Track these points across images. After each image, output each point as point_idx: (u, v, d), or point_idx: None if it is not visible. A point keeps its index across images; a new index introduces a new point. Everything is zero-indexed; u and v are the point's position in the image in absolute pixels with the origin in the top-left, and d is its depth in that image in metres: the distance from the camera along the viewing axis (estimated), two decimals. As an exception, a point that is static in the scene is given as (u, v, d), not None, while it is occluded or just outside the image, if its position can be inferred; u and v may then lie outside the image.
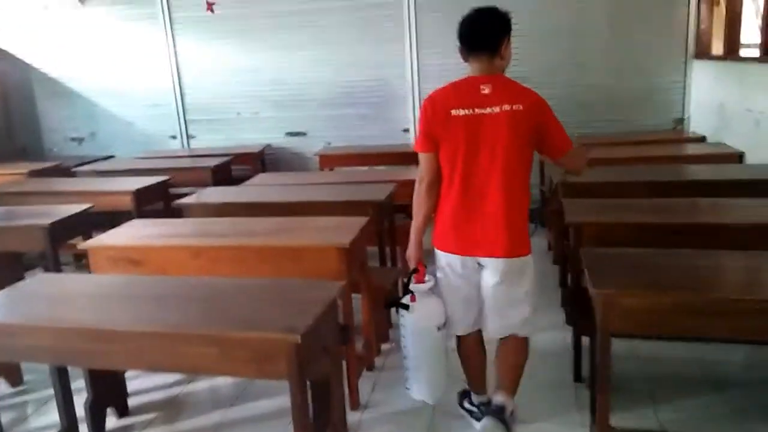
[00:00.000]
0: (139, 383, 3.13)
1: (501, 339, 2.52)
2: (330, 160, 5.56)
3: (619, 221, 2.68)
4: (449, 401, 2.77)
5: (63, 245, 3.72)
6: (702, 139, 4.99)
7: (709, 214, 2.80)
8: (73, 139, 6.89)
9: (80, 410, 2.69)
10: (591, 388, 2.64)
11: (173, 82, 6.47)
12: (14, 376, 3.26)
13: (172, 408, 2.98)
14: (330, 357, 2.13)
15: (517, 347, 2.51)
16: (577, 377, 2.96)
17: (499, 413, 2.50)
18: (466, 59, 2.38)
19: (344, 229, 2.88)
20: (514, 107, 2.25)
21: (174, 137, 6.64)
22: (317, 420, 2.67)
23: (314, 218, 3.13)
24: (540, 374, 3.05)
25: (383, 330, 3.50)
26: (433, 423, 2.71)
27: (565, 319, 3.26)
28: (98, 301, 2.20)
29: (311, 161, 6.32)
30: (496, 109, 2.26)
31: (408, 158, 5.66)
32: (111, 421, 2.85)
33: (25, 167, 5.50)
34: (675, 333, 1.95)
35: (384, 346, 3.42)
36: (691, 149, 4.77)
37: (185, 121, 6.58)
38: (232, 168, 5.56)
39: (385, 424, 2.74)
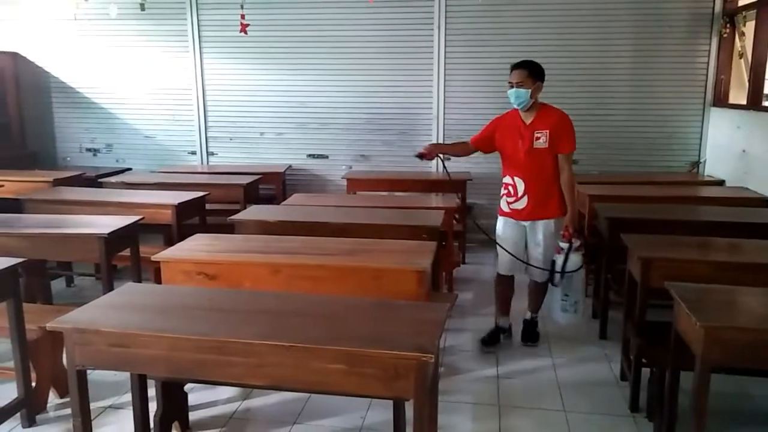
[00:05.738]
0: (194, 397, 3.12)
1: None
2: (356, 184, 5.62)
3: (690, 258, 2.80)
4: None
5: (113, 256, 3.69)
6: (721, 183, 5.21)
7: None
8: (89, 150, 6.84)
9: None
10: (658, 417, 2.74)
11: (197, 98, 6.50)
12: (63, 386, 3.21)
13: (234, 424, 2.98)
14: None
15: None
16: (634, 407, 3.05)
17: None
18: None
19: (418, 253, 2.95)
20: None
21: (193, 153, 6.65)
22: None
23: (382, 241, 3.19)
24: (593, 404, 3.14)
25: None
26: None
27: (622, 349, 3.35)
28: (211, 313, 2.21)
29: (331, 183, 6.41)
30: None
31: (429, 185, 5.82)
32: (175, 435, 2.85)
33: (46, 175, 5.42)
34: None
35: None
36: (715, 192, 4.97)
37: (207, 137, 6.60)
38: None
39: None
